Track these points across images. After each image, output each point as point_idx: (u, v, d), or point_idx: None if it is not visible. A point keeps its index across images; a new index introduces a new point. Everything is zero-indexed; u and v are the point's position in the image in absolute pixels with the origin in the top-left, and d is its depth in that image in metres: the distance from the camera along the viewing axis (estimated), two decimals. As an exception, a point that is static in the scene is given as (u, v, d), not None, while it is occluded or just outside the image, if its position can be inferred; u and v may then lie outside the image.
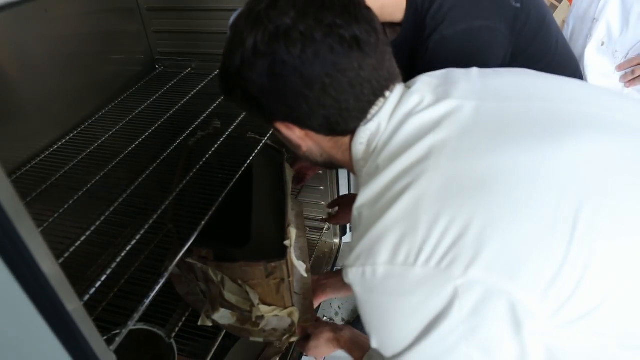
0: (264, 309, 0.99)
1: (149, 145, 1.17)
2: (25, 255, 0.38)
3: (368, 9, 0.59)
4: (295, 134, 0.63)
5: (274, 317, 1.03)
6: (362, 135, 0.61)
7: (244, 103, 0.63)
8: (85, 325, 0.45)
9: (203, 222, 0.96)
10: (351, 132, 0.62)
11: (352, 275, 0.54)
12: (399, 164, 0.55)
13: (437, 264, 0.49)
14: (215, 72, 1.48)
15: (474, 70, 0.67)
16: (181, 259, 0.93)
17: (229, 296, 0.98)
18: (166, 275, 0.87)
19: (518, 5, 0.89)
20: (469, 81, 0.63)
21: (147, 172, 1.06)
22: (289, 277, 0.98)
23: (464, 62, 0.73)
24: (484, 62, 0.83)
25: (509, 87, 0.62)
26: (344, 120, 0.59)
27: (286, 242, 1.00)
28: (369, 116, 0.60)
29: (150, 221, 0.92)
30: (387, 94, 0.60)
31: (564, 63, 1.03)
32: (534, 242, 0.48)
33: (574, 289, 0.48)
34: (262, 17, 0.56)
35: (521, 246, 0.48)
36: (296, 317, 1.03)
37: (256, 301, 0.97)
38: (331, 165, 0.71)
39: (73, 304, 0.43)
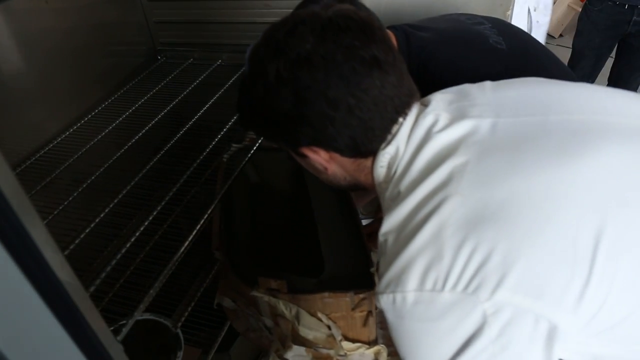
0: (347, 345, 0.90)
1: (152, 136, 1.17)
2: (31, 247, 0.38)
3: (381, 29, 0.60)
4: (321, 157, 0.64)
5: (358, 354, 0.94)
6: (382, 159, 0.61)
7: (267, 131, 0.64)
8: (92, 316, 0.46)
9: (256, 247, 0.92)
10: (373, 153, 0.62)
11: (383, 302, 0.56)
12: (421, 191, 0.56)
13: (464, 288, 0.50)
14: (218, 62, 1.47)
15: (487, 83, 0.67)
16: (236, 291, 0.88)
17: (305, 332, 0.89)
18: (171, 265, 0.88)
19: (502, 47, 0.96)
20: (484, 95, 0.64)
21: (151, 164, 1.06)
22: (376, 308, 0.88)
23: None
24: None
25: (524, 100, 0.62)
26: (369, 139, 0.60)
27: (373, 269, 0.90)
28: (389, 136, 0.60)
29: (155, 212, 0.92)
30: (407, 111, 0.61)
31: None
32: (558, 262, 0.49)
33: (603, 301, 0.49)
34: (282, 45, 0.57)
35: (545, 267, 0.49)
36: (384, 357, 0.93)
37: (339, 337, 0.89)
38: (355, 188, 0.71)
39: (79, 295, 0.44)
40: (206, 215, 0.96)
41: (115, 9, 1.38)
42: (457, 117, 0.59)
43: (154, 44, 1.53)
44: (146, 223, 0.91)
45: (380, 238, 0.59)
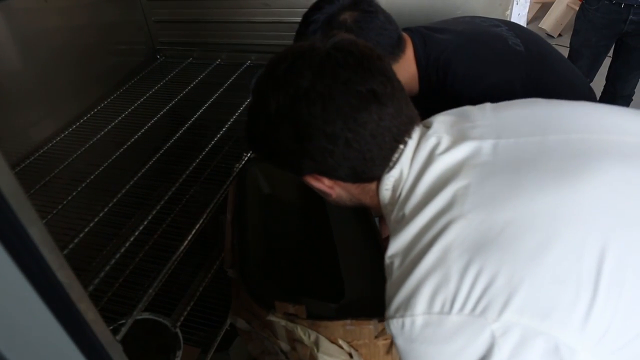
0: None
1: (151, 135, 1.17)
2: (30, 247, 0.38)
3: (380, 59, 0.61)
4: (324, 184, 0.65)
5: None
6: (387, 182, 0.62)
7: (271, 160, 0.66)
8: (91, 316, 0.46)
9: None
10: (377, 178, 0.63)
11: (393, 327, 0.56)
12: (426, 214, 0.56)
13: (472, 310, 0.51)
14: (217, 62, 1.47)
15: (488, 105, 0.68)
16: (250, 312, 0.86)
17: (324, 359, 0.86)
18: (170, 264, 0.88)
19: (521, 49, 0.95)
20: (484, 116, 0.65)
21: (151, 163, 1.06)
22: None
23: None
24: None
25: (524, 120, 0.63)
26: (369, 169, 0.61)
27: None
28: (391, 163, 0.61)
29: (154, 211, 0.92)
30: (407, 138, 0.61)
31: (571, 87, 1.06)
32: (562, 282, 0.50)
33: (610, 320, 0.49)
34: (282, 81, 0.59)
35: (550, 288, 0.50)
36: None
37: None
38: (361, 207, 0.72)
39: (78, 295, 0.44)
40: (205, 215, 0.96)
41: (115, 9, 1.37)
42: (458, 138, 0.60)
43: (153, 43, 1.53)
44: (145, 222, 0.91)
45: (387, 260, 0.60)
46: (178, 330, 0.96)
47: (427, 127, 0.64)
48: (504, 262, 0.51)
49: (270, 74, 0.61)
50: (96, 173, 1.05)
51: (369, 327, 0.81)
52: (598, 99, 1.44)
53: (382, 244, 0.94)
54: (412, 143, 0.62)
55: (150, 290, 0.80)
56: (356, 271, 0.90)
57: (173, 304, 1.18)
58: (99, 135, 1.17)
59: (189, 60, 1.49)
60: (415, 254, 0.56)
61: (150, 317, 0.97)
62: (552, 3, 3.51)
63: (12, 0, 1.03)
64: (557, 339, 0.49)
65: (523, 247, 0.51)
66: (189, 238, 0.91)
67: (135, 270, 1.20)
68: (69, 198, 0.98)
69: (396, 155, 0.61)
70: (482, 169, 0.57)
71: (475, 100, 0.89)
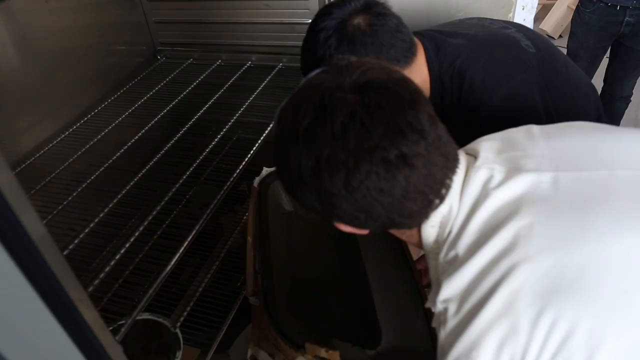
0: None
1: (152, 136, 1.17)
2: (30, 247, 0.38)
3: (413, 106, 0.53)
4: (356, 229, 0.60)
5: None
6: (434, 219, 0.57)
7: (300, 204, 0.61)
8: (91, 316, 0.46)
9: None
10: (416, 226, 0.59)
11: None
12: (484, 256, 0.52)
13: None
14: (218, 62, 1.47)
15: (534, 129, 0.63)
16: (275, 346, 0.79)
17: None
18: (170, 265, 0.87)
19: (533, 50, 0.93)
20: (534, 145, 0.60)
21: (151, 163, 1.06)
22: None
23: (520, 121, 0.73)
24: (532, 113, 0.88)
25: (582, 151, 0.59)
26: (402, 224, 0.57)
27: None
28: (433, 205, 0.56)
29: (154, 212, 0.92)
30: (448, 182, 0.56)
31: (577, 87, 1.05)
32: None
33: None
34: (302, 143, 0.53)
35: (638, 345, 0.46)
36: None
37: None
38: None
39: (78, 295, 0.44)
40: (205, 216, 0.96)
41: (115, 9, 1.38)
42: (512, 170, 0.56)
43: (153, 43, 1.53)
44: (145, 223, 0.91)
45: (439, 305, 0.55)
46: (178, 330, 0.96)
47: (472, 154, 0.60)
48: (583, 313, 0.46)
49: (290, 127, 0.54)
50: (96, 174, 1.05)
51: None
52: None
53: (418, 279, 0.87)
54: (459, 175, 0.57)
55: (151, 291, 0.80)
56: (392, 311, 0.81)
57: (173, 305, 1.18)
58: (99, 136, 1.17)
59: (189, 61, 1.49)
60: (475, 301, 0.51)
61: (151, 317, 0.97)
62: (553, 4, 3.51)
63: (12, 1, 1.03)
64: None
65: (603, 297, 0.47)
66: (189, 239, 0.91)
67: (135, 270, 1.20)
68: (69, 199, 0.98)
69: (437, 200, 0.55)
70: (544, 205, 0.53)
71: (496, 107, 0.87)
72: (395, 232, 0.63)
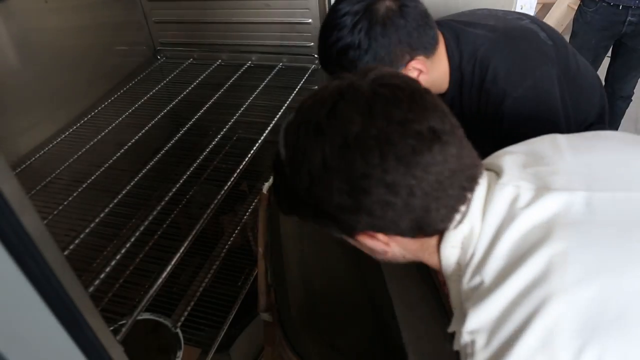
0: None
1: (152, 136, 1.17)
2: (31, 247, 0.38)
3: (428, 92, 0.52)
4: (379, 242, 0.56)
5: None
6: (454, 239, 0.54)
7: (317, 220, 0.56)
8: (92, 316, 0.46)
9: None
10: (441, 231, 0.55)
11: None
12: (514, 284, 0.48)
13: None
14: (218, 62, 1.47)
15: (560, 140, 0.60)
16: None
17: None
18: (171, 265, 0.87)
19: (550, 43, 0.92)
20: (562, 159, 0.56)
21: (151, 163, 1.06)
22: None
23: (540, 114, 0.71)
24: (553, 105, 0.87)
25: (615, 169, 0.55)
26: (434, 220, 0.52)
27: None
28: (457, 215, 0.52)
29: (155, 212, 0.92)
30: (475, 185, 0.52)
31: (585, 78, 1.04)
32: None
33: None
34: (324, 127, 0.49)
35: None
36: None
37: None
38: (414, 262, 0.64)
39: (79, 295, 0.44)
40: (205, 216, 0.96)
41: (115, 9, 1.37)
42: (541, 188, 0.52)
43: (153, 43, 1.53)
44: (146, 223, 0.91)
45: (465, 337, 0.51)
46: (179, 330, 0.96)
47: (494, 170, 0.56)
48: (631, 349, 0.44)
49: (307, 121, 0.51)
50: (97, 174, 1.05)
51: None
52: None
53: (443, 296, 0.79)
54: (480, 192, 0.53)
55: (151, 291, 0.80)
56: (419, 332, 0.74)
57: (174, 305, 1.18)
58: (99, 136, 1.17)
59: (189, 61, 1.49)
60: (507, 335, 0.47)
61: (151, 317, 0.97)
62: (553, 4, 3.51)
63: (12, 1, 1.03)
64: None
65: None
66: (189, 239, 0.91)
67: (135, 270, 1.20)
68: (70, 199, 0.99)
69: (463, 207, 0.52)
70: (579, 229, 0.49)
71: (520, 99, 0.85)
72: (418, 250, 0.58)
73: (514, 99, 0.86)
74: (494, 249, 0.51)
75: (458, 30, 0.91)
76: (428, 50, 0.84)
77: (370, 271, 0.85)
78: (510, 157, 0.58)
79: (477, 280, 0.52)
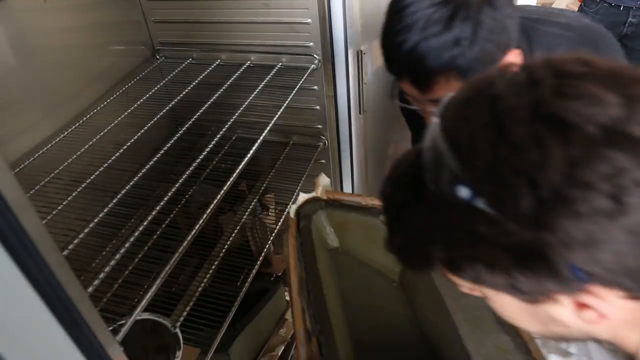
0: None
1: (151, 136, 1.17)
2: (30, 248, 0.38)
3: None
4: (591, 308, 0.38)
5: None
6: None
7: (490, 274, 0.39)
8: (91, 316, 0.46)
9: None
10: None
11: None
12: None
13: None
14: (217, 62, 1.47)
15: None
16: None
17: None
18: (170, 265, 0.87)
19: (616, 43, 0.87)
20: None
21: (151, 163, 1.06)
22: None
23: None
24: None
25: None
26: None
27: None
28: None
29: (154, 212, 0.92)
30: None
31: None
32: None
33: None
34: (570, 121, 0.34)
35: None
36: None
37: None
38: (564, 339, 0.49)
39: (78, 295, 0.44)
40: (205, 215, 0.96)
41: (114, 8, 1.37)
42: None
43: (152, 43, 1.53)
44: (145, 223, 0.91)
45: None
46: (178, 330, 0.96)
47: None
48: None
49: (529, 105, 0.36)
50: (96, 174, 1.05)
51: None
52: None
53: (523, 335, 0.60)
54: None
55: (151, 291, 0.80)
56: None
57: (173, 304, 1.18)
58: (98, 136, 1.17)
59: (188, 61, 1.49)
60: None
61: (150, 317, 0.97)
62: (552, 4, 3.51)
63: (12, 0, 1.03)
64: None
65: None
66: (188, 238, 0.91)
67: (135, 270, 1.20)
68: (69, 199, 0.98)
69: None
70: None
71: None
72: (623, 322, 0.40)
73: None
74: None
75: (527, 28, 0.80)
76: (509, 48, 0.71)
77: (422, 308, 0.67)
78: None
79: None
